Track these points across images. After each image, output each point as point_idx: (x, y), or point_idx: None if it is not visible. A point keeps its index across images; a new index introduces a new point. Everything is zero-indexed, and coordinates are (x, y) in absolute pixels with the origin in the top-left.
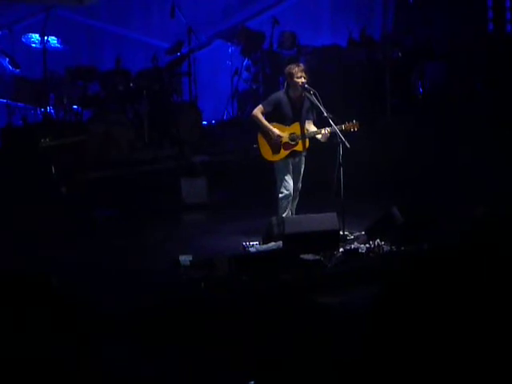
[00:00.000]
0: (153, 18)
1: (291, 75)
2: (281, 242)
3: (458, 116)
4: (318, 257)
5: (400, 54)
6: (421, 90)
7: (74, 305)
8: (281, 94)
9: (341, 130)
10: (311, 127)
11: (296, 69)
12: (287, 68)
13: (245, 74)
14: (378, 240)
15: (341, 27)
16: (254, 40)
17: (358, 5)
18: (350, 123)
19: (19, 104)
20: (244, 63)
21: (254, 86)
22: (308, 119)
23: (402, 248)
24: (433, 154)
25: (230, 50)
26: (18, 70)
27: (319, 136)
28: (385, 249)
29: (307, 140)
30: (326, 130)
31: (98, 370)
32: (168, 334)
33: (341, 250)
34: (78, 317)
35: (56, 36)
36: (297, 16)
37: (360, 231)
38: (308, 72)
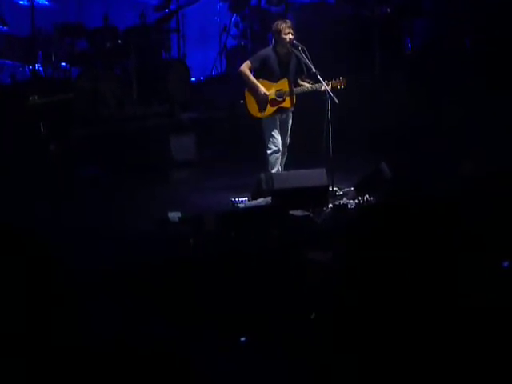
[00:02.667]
0: None
1: (278, 32)
2: (270, 198)
3: (447, 72)
4: (307, 213)
5: (388, 10)
6: (409, 45)
7: (60, 262)
8: (268, 51)
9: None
10: (305, 84)
11: (283, 25)
12: (274, 24)
13: (233, 31)
14: (367, 195)
15: None
16: None
17: None
18: (337, 80)
19: (7, 61)
20: (232, 19)
21: (243, 43)
22: (297, 75)
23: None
24: (421, 109)
25: (218, 7)
26: (5, 28)
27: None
28: None
29: (294, 96)
30: (313, 86)
31: (85, 329)
32: (157, 290)
33: (330, 205)
34: (62, 274)
35: None
36: None
37: (349, 187)
38: (296, 28)
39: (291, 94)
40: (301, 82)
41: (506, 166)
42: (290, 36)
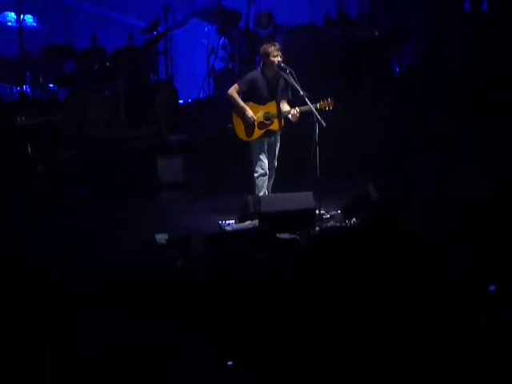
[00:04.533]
0: None
1: (267, 54)
2: (257, 221)
3: (435, 95)
4: (294, 236)
5: (377, 33)
6: (397, 69)
7: (47, 280)
8: (256, 74)
9: (316, 109)
10: (285, 106)
11: (272, 48)
12: (263, 47)
13: (221, 53)
14: (354, 219)
15: (318, 6)
16: (231, 19)
17: None
18: (325, 101)
19: None
20: (220, 42)
21: (231, 65)
22: (283, 98)
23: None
24: (409, 132)
25: (206, 29)
26: None
27: (290, 116)
28: None
29: (282, 119)
30: (296, 110)
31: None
32: (144, 311)
33: (317, 228)
34: (51, 293)
35: (32, 14)
36: None
37: (336, 210)
38: (284, 51)
39: (279, 116)
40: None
41: (492, 190)
42: (279, 59)
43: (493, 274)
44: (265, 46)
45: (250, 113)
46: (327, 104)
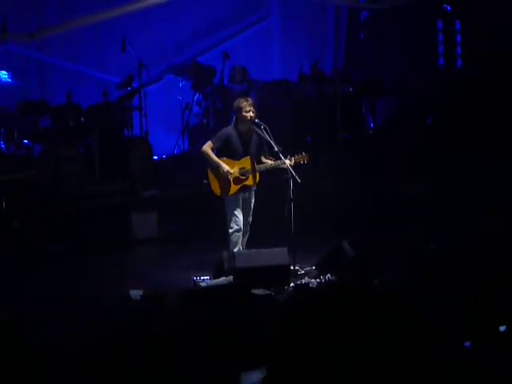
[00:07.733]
0: (104, 53)
1: (239, 109)
2: (232, 277)
3: (409, 150)
4: (268, 292)
5: (351, 89)
6: (371, 124)
7: (21, 339)
8: (230, 129)
9: (290, 164)
10: (267, 161)
11: (244, 103)
12: (235, 102)
13: (195, 109)
14: (329, 275)
15: (292, 62)
16: (205, 75)
17: (309, 39)
18: (300, 155)
19: None
20: (195, 98)
21: (205, 121)
22: (259, 153)
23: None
24: (384, 188)
25: (180, 85)
26: None
27: (285, 166)
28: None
29: (257, 174)
30: (276, 163)
31: None
32: (118, 368)
33: (292, 284)
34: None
35: (6, 70)
36: (247, 51)
37: (311, 266)
38: (258, 106)
39: (254, 172)
40: (264, 160)
41: (467, 245)
42: (251, 114)
43: (469, 330)
44: (237, 100)
45: (225, 167)
46: (301, 158)
